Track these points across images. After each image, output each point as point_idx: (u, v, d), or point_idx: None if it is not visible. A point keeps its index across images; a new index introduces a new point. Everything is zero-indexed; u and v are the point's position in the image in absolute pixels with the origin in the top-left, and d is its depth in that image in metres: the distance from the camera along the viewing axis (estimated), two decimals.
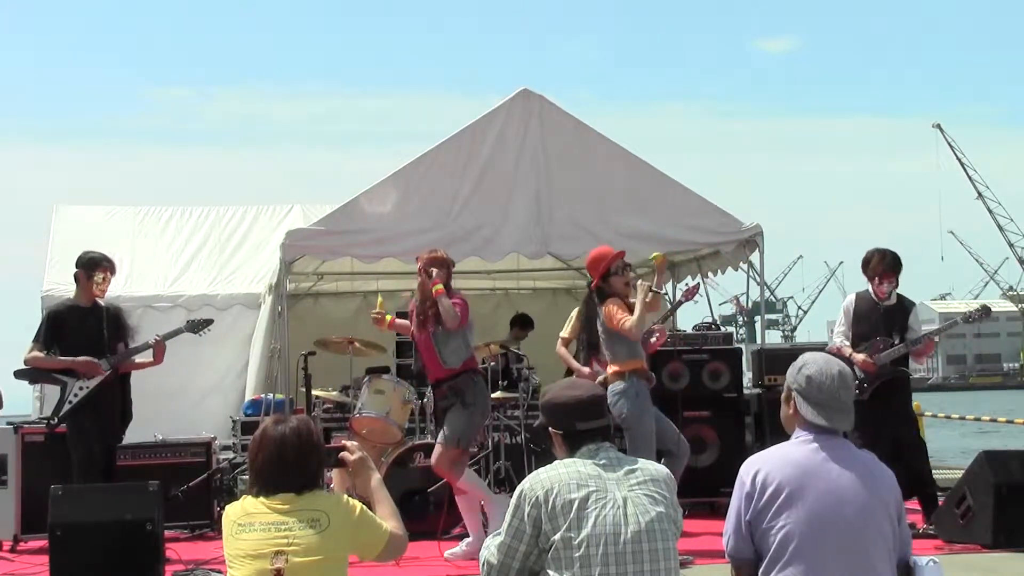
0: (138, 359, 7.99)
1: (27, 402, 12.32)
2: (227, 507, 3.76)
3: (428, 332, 7.56)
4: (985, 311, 8.40)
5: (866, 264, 8.14)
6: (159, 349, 7.92)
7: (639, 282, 7.72)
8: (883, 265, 8.05)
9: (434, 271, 7.57)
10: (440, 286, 7.51)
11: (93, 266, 7.82)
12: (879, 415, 7.83)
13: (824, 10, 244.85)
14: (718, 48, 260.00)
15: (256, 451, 3.72)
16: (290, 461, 3.66)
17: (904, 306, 8.18)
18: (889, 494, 3.68)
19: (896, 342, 8.00)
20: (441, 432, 7.63)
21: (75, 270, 7.87)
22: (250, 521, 3.61)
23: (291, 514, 3.61)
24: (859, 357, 7.97)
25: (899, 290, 8.19)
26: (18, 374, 8.00)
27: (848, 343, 8.16)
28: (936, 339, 8.11)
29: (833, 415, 3.68)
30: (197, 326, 8.18)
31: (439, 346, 7.55)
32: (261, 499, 3.65)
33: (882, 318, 8.09)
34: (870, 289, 8.17)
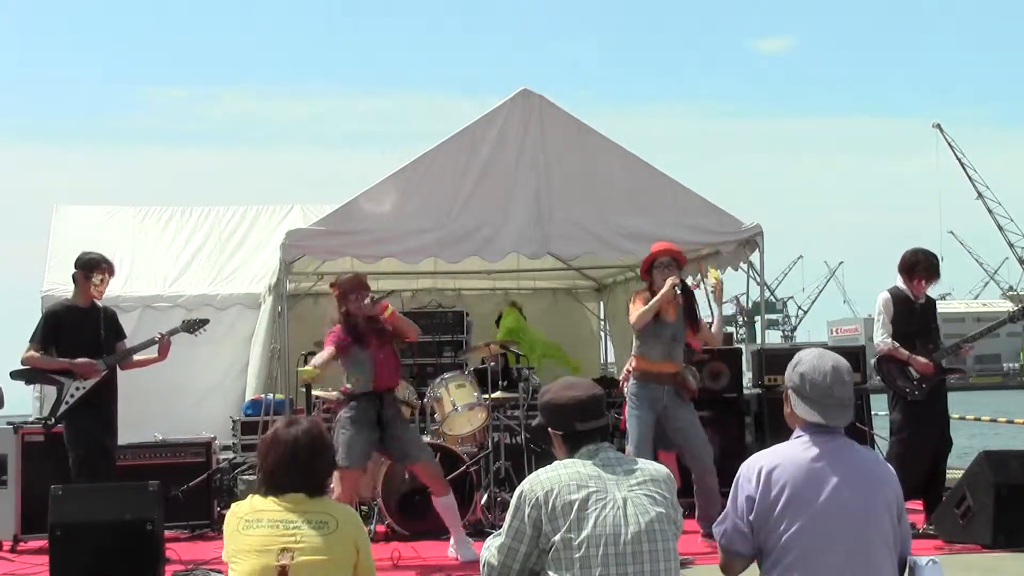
0: (143, 355, 8.01)
1: (27, 402, 12.32)
2: (233, 504, 3.79)
3: (380, 344, 7.57)
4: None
5: (913, 266, 8.09)
6: (164, 345, 7.93)
7: (669, 279, 7.66)
8: (930, 268, 8.10)
9: (370, 295, 7.62)
10: (390, 308, 7.62)
11: (92, 267, 7.82)
12: (933, 415, 8.02)
13: (820, 10, 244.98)
14: (716, 49, 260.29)
15: (267, 452, 3.74)
16: (302, 462, 3.69)
17: (933, 304, 8.31)
18: (891, 492, 3.69)
19: (932, 340, 8.10)
20: (423, 450, 7.64)
21: (74, 271, 7.87)
22: (258, 518, 3.63)
23: (300, 513, 3.64)
24: (921, 360, 7.97)
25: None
26: (14, 374, 8.00)
27: (897, 344, 8.08)
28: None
29: (828, 412, 3.67)
30: (193, 326, 8.19)
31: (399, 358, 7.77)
32: (271, 498, 3.67)
33: (919, 317, 8.14)
34: (904, 287, 8.14)
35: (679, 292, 7.62)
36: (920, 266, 8.09)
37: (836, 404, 3.68)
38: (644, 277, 7.89)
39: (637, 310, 7.63)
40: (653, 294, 7.64)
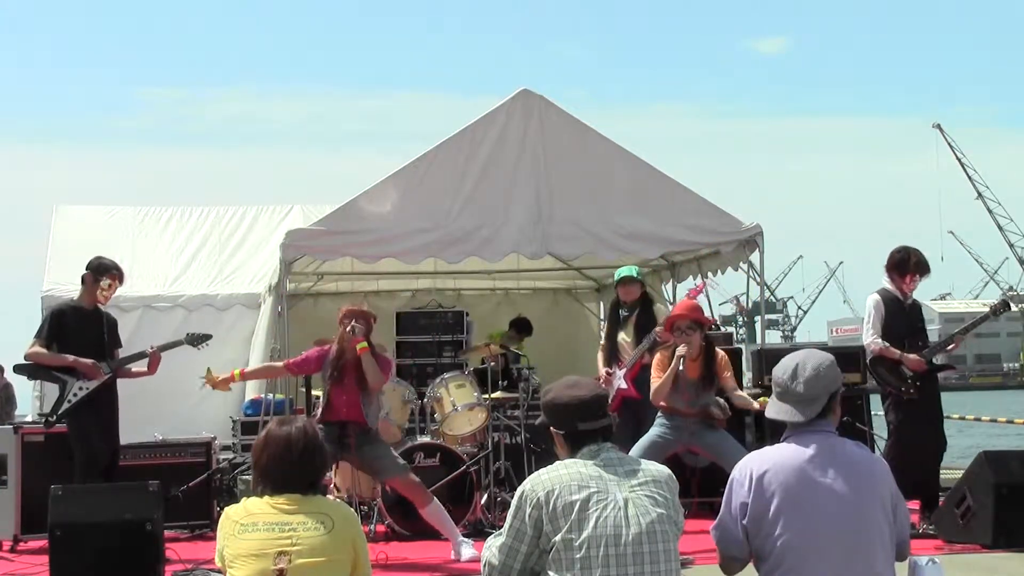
0: (133, 368, 7.99)
1: (26, 402, 12.32)
2: (226, 508, 3.77)
3: (351, 382, 7.42)
4: (1005, 305, 8.53)
5: (904, 263, 8.10)
6: (154, 359, 7.91)
7: (678, 349, 7.57)
8: (921, 263, 8.13)
9: (357, 326, 7.39)
10: (364, 344, 7.36)
11: (103, 271, 7.82)
12: (928, 414, 8.04)
13: (817, 10, 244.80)
14: (714, 49, 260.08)
15: (261, 450, 3.74)
16: (296, 459, 3.69)
17: (919, 305, 8.38)
18: (883, 486, 3.69)
19: (921, 339, 8.13)
20: (397, 466, 7.48)
21: (84, 272, 7.88)
22: (253, 521, 3.62)
23: (296, 515, 3.62)
24: (911, 357, 7.97)
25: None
26: (18, 368, 8.02)
27: (887, 343, 8.06)
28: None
29: (789, 408, 3.68)
30: (196, 340, 8.19)
31: (364, 405, 7.45)
32: (266, 499, 3.66)
33: (908, 316, 8.17)
34: (892, 287, 8.13)
35: (681, 365, 7.60)
36: (911, 261, 8.10)
37: (794, 400, 3.68)
38: (665, 335, 7.91)
39: (654, 385, 7.69)
40: (671, 357, 7.62)
